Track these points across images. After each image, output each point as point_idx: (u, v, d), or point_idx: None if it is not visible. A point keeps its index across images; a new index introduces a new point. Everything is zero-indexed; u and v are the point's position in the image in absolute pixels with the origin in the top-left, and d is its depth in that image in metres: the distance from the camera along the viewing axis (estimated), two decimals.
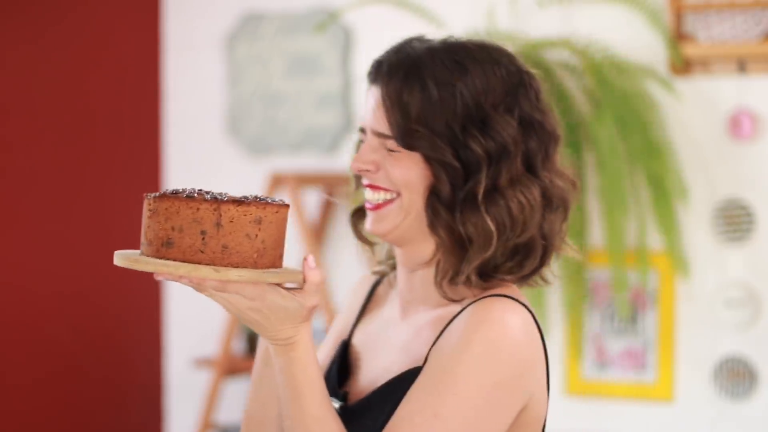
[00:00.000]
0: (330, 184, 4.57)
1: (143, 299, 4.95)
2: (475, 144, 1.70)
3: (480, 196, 1.69)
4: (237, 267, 1.57)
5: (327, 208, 4.62)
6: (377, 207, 1.75)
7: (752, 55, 4.01)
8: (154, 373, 4.98)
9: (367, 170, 1.75)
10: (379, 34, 4.56)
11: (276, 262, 1.60)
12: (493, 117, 1.71)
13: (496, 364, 1.63)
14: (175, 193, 1.59)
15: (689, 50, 4.03)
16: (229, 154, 4.83)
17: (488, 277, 1.72)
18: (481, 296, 1.70)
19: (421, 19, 4.30)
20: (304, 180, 4.46)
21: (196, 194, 1.59)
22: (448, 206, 1.71)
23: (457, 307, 1.73)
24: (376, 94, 1.74)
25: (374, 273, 1.92)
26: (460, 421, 1.61)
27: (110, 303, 4.83)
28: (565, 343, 4.24)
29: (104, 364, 4.81)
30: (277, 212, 1.58)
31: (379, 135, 1.73)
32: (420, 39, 1.76)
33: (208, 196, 1.58)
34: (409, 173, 1.72)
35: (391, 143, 1.72)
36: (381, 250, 1.90)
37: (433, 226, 1.72)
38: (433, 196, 1.72)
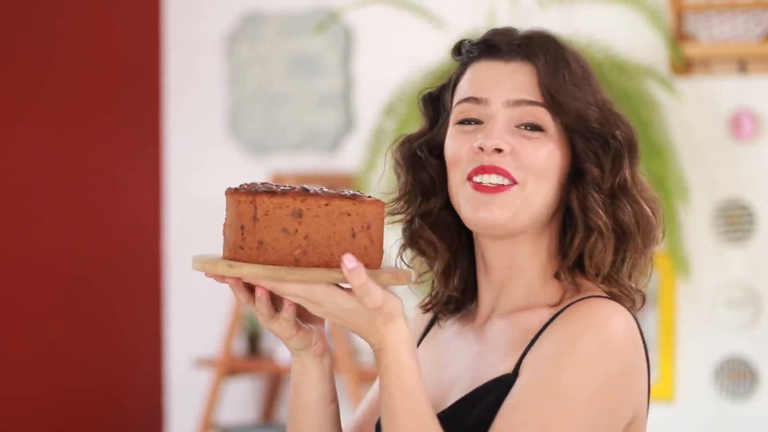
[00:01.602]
0: (330, 184, 4.56)
1: (144, 299, 4.95)
2: (617, 128, 1.59)
3: (631, 186, 1.58)
4: (275, 264, 1.42)
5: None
6: (495, 190, 1.55)
7: (753, 55, 4.01)
8: (155, 373, 4.97)
9: (501, 150, 1.56)
10: (380, 34, 4.56)
11: (331, 261, 1.43)
12: (619, 114, 1.61)
13: (607, 367, 1.49)
14: (238, 188, 1.47)
15: (690, 50, 4.03)
16: (230, 155, 4.83)
17: (614, 281, 1.58)
18: (578, 298, 1.56)
19: (422, 19, 4.30)
20: (304, 180, 4.46)
21: (245, 186, 1.46)
22: (600, 191, 1.57)
23: (541, 314, 1.58)
24: (517, 68, 1.58)
25: (423, 308, 1.72)
26: (571, 430, 1.46)
27: (112, 303, 4.83)
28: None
29: (105, 363, 4.80)
30: (326, 205, 1.42)
31: (527, 103, 1.56)
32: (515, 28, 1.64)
33: (262, 188, 1.44)
34: (549, 158, 1.56)
35: (538, 116, 1.56)
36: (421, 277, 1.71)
37: (589, 211, 1.55)
38: (576, 181, 1.58)
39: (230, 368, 4.53)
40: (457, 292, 1.68)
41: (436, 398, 1.60)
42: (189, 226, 4.91)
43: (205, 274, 1.47)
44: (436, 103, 1.72)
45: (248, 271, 1.42)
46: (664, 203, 3.97)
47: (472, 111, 1.60)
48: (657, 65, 4.10)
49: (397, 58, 4.43)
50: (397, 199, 1.68)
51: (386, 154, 1.74)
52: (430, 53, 4.22)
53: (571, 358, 1.49)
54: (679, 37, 4.06)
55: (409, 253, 1.68)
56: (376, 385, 1.68)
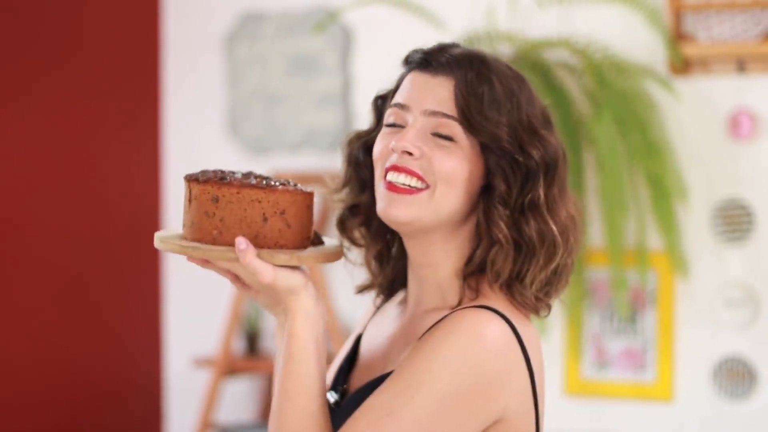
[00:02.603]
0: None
1: (143, 299, 4.96)
2: (533, 150, 1.69)
3: (543, 206, 1.68)
4: (199, 242, 1.66)
5: (326, 208, 4.62)
6: (406, 191, 1.69)
7: (752, 55, 4.01)
8: (154, 373, 4.98)
9: (411, 153, 1.69)
10: (379, 34, 4.57)
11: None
12: (542, 133, 1.71)
13: (459, 373, 1.59)
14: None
15: (689, 50, 4.03)
16: (229, 154, 4.83)
17: (516, 291, 1.69)
18: (468, 305, 1.68)
19: (421, 19, 4.31)
20: (303, 180, 4.45)
21: (192, 174, 1.68)
22: (505, 206, 1.68)
23: (440, 315, 1.71)
24: (441, 81, 1.70)
25: (359, 291, 1.89)
26: (413, 424, 1.58)
27: (110, 303, 4.84)
28: (565, 343, 4.24)
29: (104, 363, 4.81)
30: (238, 193, 1.62)
31: (441, 115, 1.69)
32: (466, 44, 1.77)
33: (195, 175, 1.66)
34: (457, 167, 1.68)
35: (450, 129, 1.68)
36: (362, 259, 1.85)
37: (492, 224, 1.67)
38: (486, 196, 1.69)
39: (229, 368, 4.53)
40: (387, 279, 1.84)
41: (361, 380, 1.78)
42: None
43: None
44: (382, 103, 1.84)
45: (170, 247, 1.67)
46: (663, 203, 3.97)
47: (398, 116, 1.72)
48: (656, 65, 4.10)
49: (396, 57, 4.42)
50: (336, 190, 1.83)
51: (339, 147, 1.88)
52: None
53: (430, 361, 1.60)
54: (677, 36, 4.06)
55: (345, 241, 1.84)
56: None
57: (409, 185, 1.68)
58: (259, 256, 1.61)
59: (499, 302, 1.69)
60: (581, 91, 4.07)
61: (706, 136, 4.08)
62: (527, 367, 1.66)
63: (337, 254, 1.71)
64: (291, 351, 1.64)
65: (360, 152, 1.82)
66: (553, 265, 1.68)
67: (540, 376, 1.70)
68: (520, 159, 1.67)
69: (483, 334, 1.61)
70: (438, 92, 1.70)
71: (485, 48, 4.16)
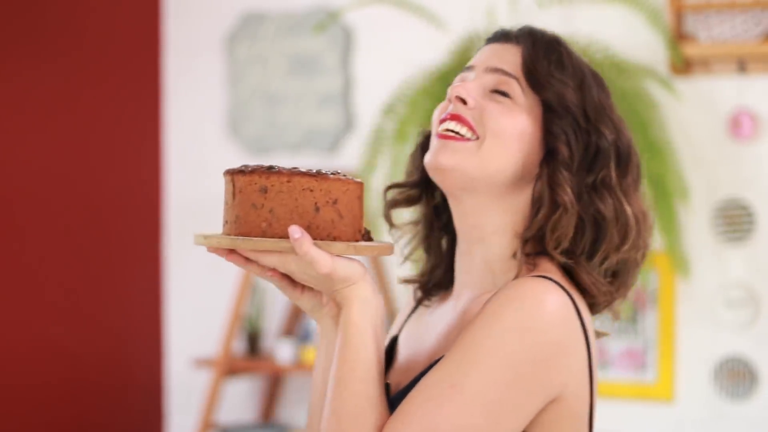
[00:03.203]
0: None
1: (144, 299, 4.96)
2: (607, 131, 1.64)
3: (615, 185, 1.62)
4: (246, 236, 1.56)
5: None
6: (454, 138, 1.63)
7: (752, 55, 4.01)
8: (155, 374, 4.98)
9: (465, 102, 1.63)
10: (379, 34, 4.56)
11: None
12: (617, 122, 1.66)
13: (523, 342, 1.52)
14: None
15: (689, 50, 4.03)
16: (230, 154, 4.83)
17: (582, 268, 1.61)
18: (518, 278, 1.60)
19: (421, 19, 4.30)
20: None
21: (233, 168, 1.60)
22: (569, 171, 1.61)
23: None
24: (510, 48, 1.66)
25: (403, 281, 1.81)
26: (477, 394, 1.51)
27: (111, 303, 4.83)
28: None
29: (105, 364, 4.81)
30: (288, 181, 1.55)
31: (501, 72, 1.64)
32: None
33: (239, 168, 1.59)
34: (509, 122, 1.62)
35: (510, 86, 1.63)
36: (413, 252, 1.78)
37: (556, 186, 1.60)
38: (547, 161, 1.62)
39: (230, 368, 4.53)
40: (432, 272, 1.77)
41: (407, 373, 1.69)
42: (189, 225, 4.91)
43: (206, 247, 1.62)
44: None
45: (216, 241, 1.57)
46: (664, 203, 3.97)
47: (461, 77, 1.68)
48: (656, 65, 4.10)
49: (396, 58, 4.43)
50: (393, 185, 1.77)
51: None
52: (430, 53, 4.23)
53: (491, 329, 1.53)
54: (678, 37, 4.06)
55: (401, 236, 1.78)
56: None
57: (458, 132, 1.62)
58: (315, 245, 1.53)
59: (564, 279, 1.60)
60: None
61: (707, 136, 4.08)
62: (586, 345, 1.58)
63: (390, 248, 1.63)
64: (347, 338, 1.56)
65: (419, 150, 1.75)
66: (627, 246, 1.62)
67: (596, 361, 1.62)
68: (590, 132, 1.62)
69: (544, 302, 1.53)
70: (504, 54, 1.66)
71: None
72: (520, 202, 1.65)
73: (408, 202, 1.76)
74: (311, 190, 1.56)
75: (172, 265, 4.96)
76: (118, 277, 4.87)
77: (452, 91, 1.64)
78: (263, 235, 1.55)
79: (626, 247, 1.62)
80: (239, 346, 4.71)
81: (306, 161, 4.69)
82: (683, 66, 4.07)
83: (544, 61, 1.64)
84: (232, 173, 1.58)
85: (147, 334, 4.96)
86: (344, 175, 1.60)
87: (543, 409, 1.56)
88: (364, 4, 4.38)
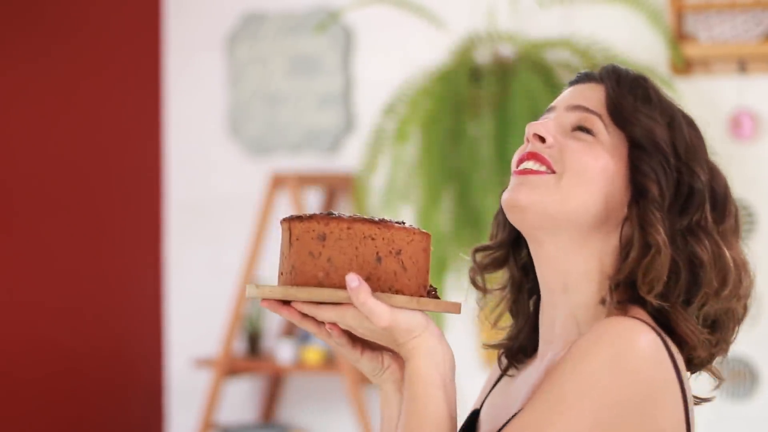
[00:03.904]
0: (330, 184, 4.57)
1: (144, 299, 4.95)
2: (700, 170, 1.54)
3: (711, 228, 1.52)
4: (302, 286, 1.47)
5: (329, 209, 4.62)
6: (531, 172, 1.53)
7: (753, 55, 4.01)
8: (155, 374, 4.97)
9: (543, 140, 1.54)
10: (380, 35, 4.56)
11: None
12: (711, 164, 1.58)
13: (615, 382, 1.42)
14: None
15: (690, 50, 4.03)
16: (230, 155, 4.83)
17: (680, 316, 1.50)
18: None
19: (422, 20, 4.30)
20: (304, 180, 4.46)
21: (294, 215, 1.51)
22: (660, 211, 1.51)
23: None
24: (593, 86, 1.58)
25: (488, 347, 1.70)
26: None
27: (111, 303, 4.83)
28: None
29: (105, 364, 4.81)
30: (348, 228, 1.45)
31: (583, 109, 1.56)
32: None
33: (299, 215, 1.50)
34: (591, 159, 1.52)
35: (592, 123, 1.55)
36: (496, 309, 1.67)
37: (646, 224, 1.50)
38: (636, 201, 1.52)
39: (230, 368, 4.53)
40: (518, 335, 1.66)
41: None
42: (189, 226, 4.91)
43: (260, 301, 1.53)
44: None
45: (269, 291, 1.47)
46: None
47: (543, 117, 1.61)
48: (657, 65, 4.10)
49: (397, 58, 4.43)
50: (480, 248, 1.66)
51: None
52: (430, 53, 4.23)
53: (579, 369, 1.43)
54: (679, 37, 4.06)
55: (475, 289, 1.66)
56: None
57: (534, 169, 1.53)
58: (374, 296, 1.44)
59: (648, 319, 1.49)
60: None
61: (708, 137, 4.08)
62: (680, 384, 1.48)
63: (457, 306, 1.51)
64: (415, 392, 1.46)
65: (501, 210, 1.62)
66: (727, 290, 1.52)
67: (691, 404, 1.52)
68: (681, 170, 1.53)
69: (634, 341, 1.43)
70: (586, 92, 1.57)
71: (486, 49, 4.16)
72: (607, 245, 1.55)
73: (495, 265, 1.64)
74: (373, 239, 1.46)
75: (172, 265, 4.96)
76: (118, 276, 4.86)
77: (530, 129, 1.55)
78: (319, 285, 1.46)
79: (726, 292, 1.53)
80: (240, 346, 4.71)
81: (306, 162, 4.69)
82: (684, 66, 4.07)
83: (630, 96, 1.55)
84: (289, 221, 1.49)
85: (147, 334, 4.96)
86: (410, 225, 1.50)
87: None
88: (364, 5, 4.38)
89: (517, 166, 1.55)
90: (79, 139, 4.74)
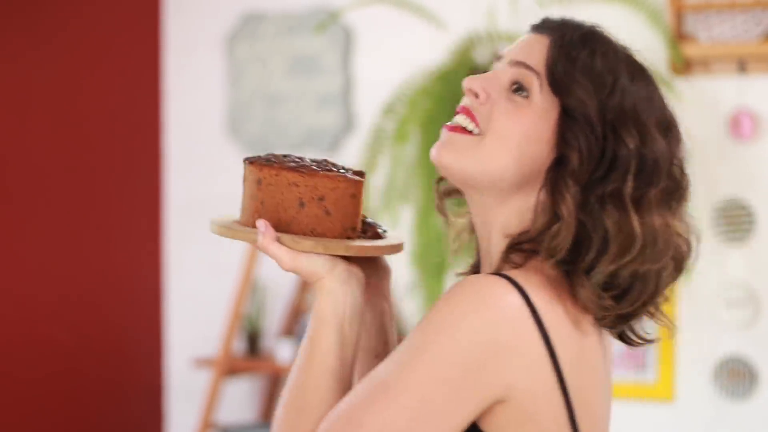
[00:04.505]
0: None
1: (144, 299, 4.95)
2: (630, 139, 1.53)
3: (627, 197, 1.52)
4: (245, 225, 1.60)
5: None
6: (457, 130, 1.57)
7: (752, 55, 4.01)
8: (155, 373, 4.97)
9: (476, 95, 1.57)
10: (379, 35, 4.56)
11: (279, 225, 1.57)
12: (649, 127, 1.56)
13: (456, 342, 1.45)
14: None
15: (690, 50, 4.03)
16: (230, 154, 4.83)
17: (578, 281, 1.52)
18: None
19: (421, 19, 4.30)
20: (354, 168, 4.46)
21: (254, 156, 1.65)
22: (576, 183, 1.53)
23: None
24: (541, 39, 1.60)
25: (459, 274, 1.74)
26: (403, 394, 1.45)
27: (111, 303, 4.83)
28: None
29: (105, 363, 4.81)
30: (276, 175, 1.57)
31: (523, 66, 1.57)
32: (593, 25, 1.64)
33: (250, 158, 1.63)
34: (516, 123, 1.55)
35: (529, 81, 1.56)
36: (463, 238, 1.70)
37: (556, 194, 1.53)
38: (557, 167, 1.54)
39: (230, 368, 4.53)
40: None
41: None
42: (189, 225, 4.91)
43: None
44: None
45: (216, 229, 1.62)
46: None
47: (493, 67, 1.63)
48: (657, 65, 4.10)
49: (396, 58, 4.43)
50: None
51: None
52: (430, 53, 4.22)
53: (427, 326, 1.47)
54: (678, 37, 4.06)
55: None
56: None
57: (461, 126, 1.57)
58: (281, 240, 1.54)
59: (535, 279, 1.51)
60: None
61: (707, 137, 4.08)
62: (545, 343, 1.48)
63: (380, 249, 1.59)
64: (311, 331, 1.55)
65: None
66: (625, 260, 1.51)
67: (584, 382, 1.53)
68: (607, 138, 1.53)
69: (486, 300, 1.46)
70: (533, 46, 1.59)
71: (486, 49, 4.16)
72: (527, 203, 1.58)
73: (455, 192, 1.68)
74: (297, 185, 1.57)
75: (172, 264, 4.96)
76: (118, 276, 4.86)
77: (467, 83, 1.58)
78: (255, 225, 1.58)
79: (627, 259, 1.52)
80: (239, 345, 4.71)
81: None
82: (683, 66, 4.07)
83: (570, 61, 1.56)
84: (245, 161, 1.62)
85: (147, 334, 4.96)
86: (344, 170, 1.60)
87: (490, 412, 1.49)
88: (364, 5, 4.38)
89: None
90: (79, 139, 4.73)
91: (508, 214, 1.59)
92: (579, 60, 1.57)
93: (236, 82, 4.83)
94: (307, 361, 1.55)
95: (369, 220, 1.65)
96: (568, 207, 1.52)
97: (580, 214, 1.53)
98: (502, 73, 1.59)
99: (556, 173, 1.54)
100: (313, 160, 1.61)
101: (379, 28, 4.56)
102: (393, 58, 4.48)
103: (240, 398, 4.81)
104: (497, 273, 1.50)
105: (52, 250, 4.64)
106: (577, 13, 4.37)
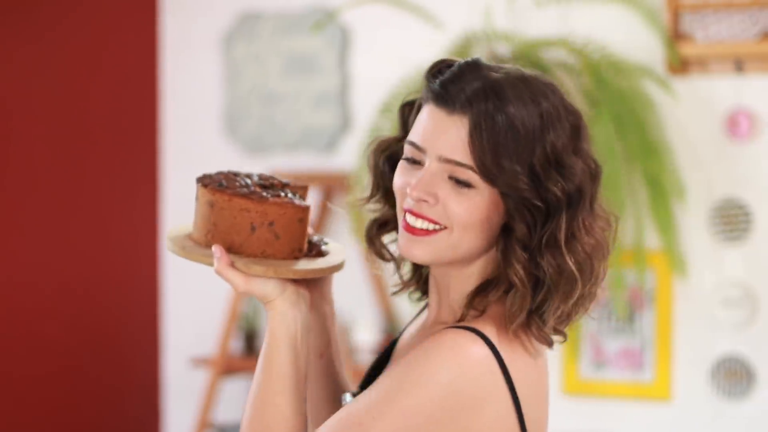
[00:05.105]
0: (327, 183, 4.56)
1: (141, 298, 4.95)
2: (554, 186, 1.64)
3: (561, 240, 1.63)
4: (196, 243, 1.71)
5: (324, 209, 4.62)
6: (424, 233, 1.67)
7: (749, 54, 4.01)
8: (152, 373, 4.97)
9: (426, 201, 1.66)
10: (377, 34, 4.56)
11: (232, 246, 1.68)
12: (567, 159, 1.66)
13: (430, 393, 1.58)
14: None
15: (686, 50, 4.03)
16: (227, 153, 4.83)
17: (534, 325, 1.67)
18: (449, 326, 1.67)
19: (418, 19, 4.30)
20: (302, 180, 4.46)
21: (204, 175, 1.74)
22: (525, 248, 1.65)
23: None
24: (456, 121, 1.65)
25: (394, 293, 1.86)
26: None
27: (108, 302, 4.83)
28: (563, 343, 4.24)
29: (102, 363, 4.80)
30: (229, 200, 1.67)
31: (455, 163, 1.64)
32: (484, 64, 1.69)
33: (210, 179, 1.71)
34: (474, 213, 1.65)
35: (466, 175, 1.64)
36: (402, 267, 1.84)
37: (509, 266, 1.65)
38: (506, 236, 1.66)
39: (227, 367, 4.53)
40: (416, 286, 1.83)
41: None
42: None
43: None
44: (408, 114, 1.82)
45: (169, 245, 1.71)
46: (661, 203, 3.97)
47: (415, 154, 1.69)
48: (654, 65, 4.10)
49: (393, 57, 4.43)
50: (366, 199, 1.81)
51: (363, 154, 1.84)
52: (427, 53, 4.21)
53: (406, 376, 1.60)
54: (675, 36, 4.06)
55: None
56: None
57: (426, 229, 1.67)
58: (234, 265, 1.66)
59: (496, 325, 1.66)
60: (579, 90, 4.07)
61: (704, 136, 4.08)
62: (511, 395, 1.63)
63: (324, 270, 1.73)
64: (266, 352, 1.68)
65: (385, 165, 1.79)
66: (572, 300, 1.66)
67: (537, 407, 1.68)
68: (539, 203, 1.64)
69: (460, 355, 1.60)
70: (452, 135, 1.65)
71: (483, 48, 4.16)
72: (483, 258, 1.71)
73: (386, 236, 1.81)
74: (248, 211, 1.68)
75: (169, 264, 4.96)
76: (115, 276, 4.86)
77: (413, 194, 1.66)
78: (207, 245, 1.69)
79: (573, 299, 1.66)
80: (236, 345, 4.71)
81: (303, 160, 4.69)
82: (680, 66, 4.07)
83: (492, 146, 1.63)
84: (197, 181, 1.71)
85: (144, 333, 4.96)
86: (291, 197, 1.72)
87: None
88: (361, 4, 4.38)
89: (405, 216, 1.68)
90: (77, 138, 4.73)
91: (469, 276, 1.72)
92: (500, 141, 1.63)
93: (233, 81, 4.83)
94: (265, 378, 1.67)
95: (314, 238, 1.78)
96: (518, 275, 1.65)
97: (529, 273, 1.65)
98: (437, 171, 1.67)
99: (506, 241, 1.66)
100: (261, 177, 1.74)
101: (375, 28, 4.56)
102: (390, 58, 4.48)
103: (237, 397, 4.81)
104: (466, 327, 1.63)
105: (49, 250, 4.64)
106: (574, 12, 4.35)
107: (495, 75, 1.67)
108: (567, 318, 1.69)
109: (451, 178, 1.66)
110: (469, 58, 1.72)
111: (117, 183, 4.86)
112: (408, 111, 1.82)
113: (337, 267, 1.77)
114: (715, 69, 4.08)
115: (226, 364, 4.51)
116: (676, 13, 4.07)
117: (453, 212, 1.65)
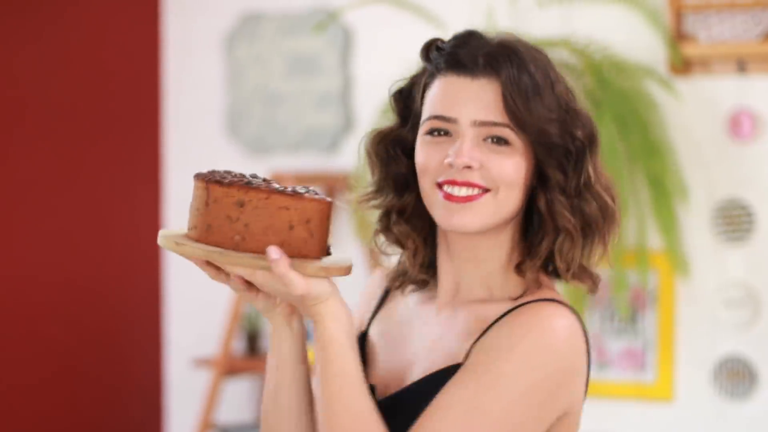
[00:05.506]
0: (329, 184, 4.56)
1: (143, 299, 4.95)
2: (577, 130, 1.70)
3: (594, 181, 1.70)
4: (217, 246, 1.61)
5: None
6: (468, 199, 1.68)
7: (752, 55, 4.01)
8: (154, 373, 4.97)
9: (470, 167, 1.68)
10: (379, 35, 4.56)
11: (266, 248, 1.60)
12: (579, 109, 1.72)
13: (544, 367, 1.63)
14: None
15: (689, 50, 4.03)
16: (229, 154, 4.83)
17: (586, 274, 1.73)
18: (531, 299, 1.69)
19: (421, 19, 4.30)
20: (303, 180, 4.46)
21: (206, 173, 1.63)
22: (564, 194, 1.70)
23: (499, 307, 1.70)
24: (484, 84, 1.69)
25: (392, 284, 1.86)
26: (503, 417, 1.60)
27: (110, 302, 4.83)
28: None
29: (104, 363, 4.80)
30: (266, 198, 1.58)
31: (491, 124, 1.68)
32: (478, 32, 1.74)
33: (215, 177, 1.61)
34: (516, 169, 1.68)
35: (504, 133, 1.68)
36: (392, 261, 1.85)
37: (556, 216, 1.69)
38: (543, 188, 1.70)
39: (229, 368, 4.53)
40: (425, 273, 1.81)
41: (394, 375, 1.76)
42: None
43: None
44: (406, 99, 1.86)
45: (190, 250, 1.62)
46: (664, 203, 3.97)
47: (441, 126, 1.71)
48: (656, 65, 4.10)
49: (395, 57, 4.41)
50: (374, 193, 1.80)
51: (359, 147, 1.85)
52: None
53: (513, 353, 1.62)
54: (678, 36, 4.06)
55: (382, 238, 1.82)
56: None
57: (469, 195, 1.69)
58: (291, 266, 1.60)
59: (555, 292, 1.72)
60: (581, 91, 4.06)
61: (707, 137, 4.08)
62: (587, 360, 1.70)
63: (349, 268, 1.67)
64: (329, 355, 1.63)
65: (395, 150, 1.80)
66: (614, 236, 1.72)
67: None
68: (570, 146, 1.70)
69: (557, 330, 1.64)
70: (483, 98, 1.69)
71: None
72: (512, 223, 1.74)
73: (406, 225, 1.80)
74: (287, 209, 1.60)
75: (171, 264, 4.96)
76: (117, 276, 4.86)
77: (456, 160, 1.67)
78: (235, 247, 1.60)
79: (614, 232, 1.73)
80: (238, 345, 4.71)
81: (305, 161, 4.69)
82: (683, 66, 4.07)
83: (523, 99, 1.68)
84: (207, 182, 1.61)
85: (146, 334, 4.96)
86: (316, 194, 1.64)
87: (555, 423, 1.68)
88: (363, 4, 4.38)
89: (444, 186, 1.69)
90: (79, 138, 4.73)
91: (501, 244, 1.74)
92: (529, 93, 1.68)
93: (235, 81, 4.83)
94: (339, 389, 1.62)
95: None
96: (570, 221, 1.69)
97: (577, 218, 1.70)
98: (474, 136, 1.69)
99: (546, 192, 1.70)
100: (253, 176, 1.65)
101: (378, 28, 4.56)
102: (392, 58, 4.46)
103: (239, 398, 4.81)
104: (548, 299, 1.68)
105: (52, 250, 4.64)
106: (576, 12, 4.35)
107: (498, 38, 1.72)
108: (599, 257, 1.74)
109: (485, 140, 1.68)
110: (461, 30, 1.75)
111: (119, 183, 4.86)
112: (401, 99, 1.87)
113: (351, 265, 1.71)
114: (717, 69, 4.08)
115: (228, 364, 4.51)
116: (678, 14, 4.07)
117: (497, 172, 1.68)
